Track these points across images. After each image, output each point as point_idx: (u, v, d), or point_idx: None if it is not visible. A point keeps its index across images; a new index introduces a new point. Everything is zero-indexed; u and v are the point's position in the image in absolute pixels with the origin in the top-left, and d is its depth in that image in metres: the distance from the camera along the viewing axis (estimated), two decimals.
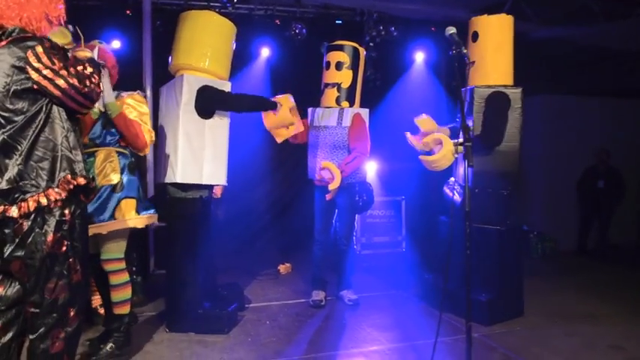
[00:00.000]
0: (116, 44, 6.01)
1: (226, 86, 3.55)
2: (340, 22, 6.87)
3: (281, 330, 3.56)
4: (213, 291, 3.80)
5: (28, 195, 1.99)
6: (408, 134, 3.88)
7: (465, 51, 2.45)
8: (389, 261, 5.87)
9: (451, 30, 2.51)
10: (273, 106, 3.69)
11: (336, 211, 4.21)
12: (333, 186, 3.84)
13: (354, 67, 4.12)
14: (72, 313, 2.13)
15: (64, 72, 1.99)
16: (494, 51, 3.75)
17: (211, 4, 6.21)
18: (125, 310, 3.03)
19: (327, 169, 3.90)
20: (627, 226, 7.45)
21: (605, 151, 6.89)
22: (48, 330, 2.07)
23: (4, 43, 1.97)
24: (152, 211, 3.10)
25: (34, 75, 1.96)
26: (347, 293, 4.27)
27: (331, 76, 4.11)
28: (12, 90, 1.95)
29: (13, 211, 1.95)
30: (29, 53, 1.95)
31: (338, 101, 4.08)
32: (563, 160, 7.06)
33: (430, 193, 6.82)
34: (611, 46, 7.49)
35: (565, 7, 6.74)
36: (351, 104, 4.13)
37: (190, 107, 3.39)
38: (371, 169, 6.28)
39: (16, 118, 1.97)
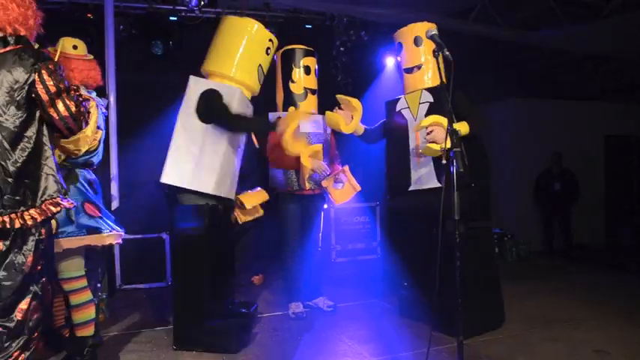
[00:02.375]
0: None
1: (234, 95, 3.28)
2: (310, 26, 6.77)
3: (256, 346, 3.39)
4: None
5: (10, 210, 1.92)
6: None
7: (447, 52, 2.37)
8: (364, 268, 5.78)
9: (433, 31, 2.44)
10: (271, 129, 3.41)
11: (306, 218, 4.12)
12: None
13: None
14: (35, 334, 2.06)
15: (64, 94, 2.06)
16: (432, 54, 3.62)
17: (177, 7, 6.03)
18: (89, 331, 2.81)
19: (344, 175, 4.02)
20: (595, 227, 7.58)
21: (558, 153, 7.01)
22: (12, 353, 1.97)
23: (9, 48, 1.99)
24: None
25: (39, 86, 1.98)
26: (324, 300, 4.18)
27: (312, 81, 4.07)
28: (14, 96, 1.96)
29: None
30: (44, 66, 2.00)
31: (317, 108, 4.10)
32: (529, 162, 7.15)
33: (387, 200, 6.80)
34: (575, 50, 7.66)
35: (530, 11, 6.85)
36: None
37: (189, 110, 3.26)
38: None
39: (9, 126, 1.95)
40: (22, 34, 2.05)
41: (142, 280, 5.04)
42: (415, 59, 3.67)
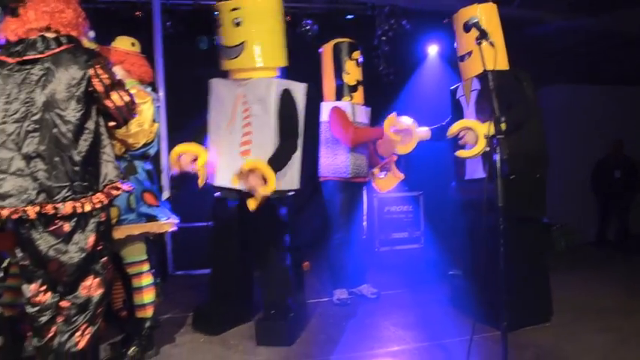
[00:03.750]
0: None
1: None
2: (352, 17, 6.78)
3: (304, 331, 3.49)
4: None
5: (80, 195, 2.11)
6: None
7: (490, 40, 2.37)
8: (408, 257, 5.80)
9: (475, 19, 2.44)
10: None
11: (352, 207, 4.20)
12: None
13: None
14: (99, 311, 2.25)
15: (117, 86, 2.26)
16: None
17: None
18: (148, 313, 2.99)
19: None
20: None
21: (620, 141, 6.79)
22: (79, 326, 2.17)
23: (63, 47, 2.16)
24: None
25: (95, 80, 2.16)
26: (368, 287, 4.27)
27: (360, 74, 4.17)
28: (73, 92, 2.12)
29: (66, 209, 2.08)
30: (96, 61, 2.18)
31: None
32: (576, 150, 6.93)
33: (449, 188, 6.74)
34: (628, 33, 7.34)
35: None
36: None
37: None
38: None
39: (71, 119, 2.12)
40: (73, 34, 2.23)
41: (192, 267, 5.25)
42: (465, 46, 3.55)
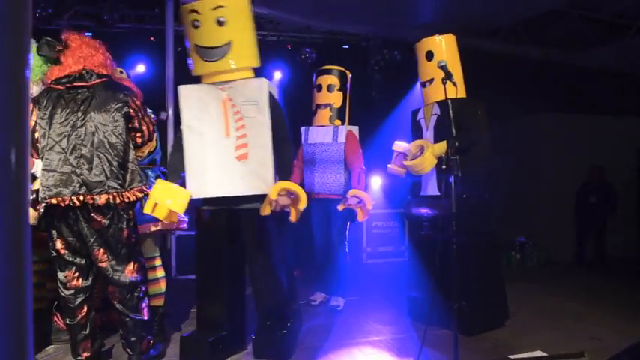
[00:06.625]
0: (141, 68, 6.57)
1: None
2: (347, 47, 7.38)
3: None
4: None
5: (113, 191, 2.62)
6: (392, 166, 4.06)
7: (453, 80, 2.88)
8: (393, 268, 6.28)
9: (443, 62, 2.96)
10: None
11: (326, 221, 4.52)
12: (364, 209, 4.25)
13: (343, 88, 4.55)
14: (146, 287, 2.88)
15: (144, 111, 2.83)
16: (450, 67, 3.46)
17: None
18: (159, 302, 3.45)
19: (356, 196, 4.21)
20: (628, 239, 7.73)
21: (598, 167, 7.15)
22: (138, 302, 2.74)
23: (103, 80, 2.74)
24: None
25: (133, 106, 2.74)
26: (335, 300, 4.53)
27: (323, 97, 4.51)
28: (113, 111, 2.68)
29: (101, 200, 2.60)
30: (131, 92, 2.78)
31: (331, 120, 4.50)
32: (564, 175, 7.42)
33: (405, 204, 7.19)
34: (605, 67, 7.97)
35: (557, 31, 7.24)
36: (343, 122, 4.54)
37: None
38: (375, 183, 6.77)
39: (112, 131, 2.68)
40: (104, 72, 2.80)
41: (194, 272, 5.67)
42: (427, 74, 3.91)
